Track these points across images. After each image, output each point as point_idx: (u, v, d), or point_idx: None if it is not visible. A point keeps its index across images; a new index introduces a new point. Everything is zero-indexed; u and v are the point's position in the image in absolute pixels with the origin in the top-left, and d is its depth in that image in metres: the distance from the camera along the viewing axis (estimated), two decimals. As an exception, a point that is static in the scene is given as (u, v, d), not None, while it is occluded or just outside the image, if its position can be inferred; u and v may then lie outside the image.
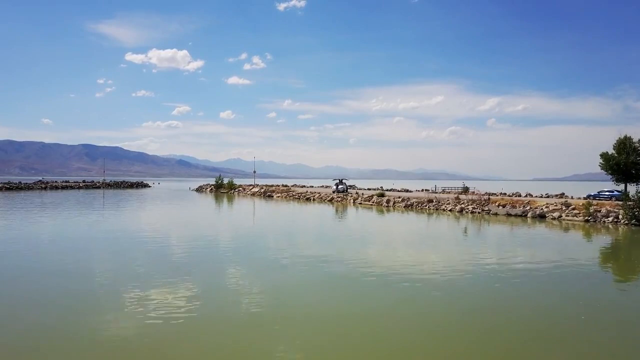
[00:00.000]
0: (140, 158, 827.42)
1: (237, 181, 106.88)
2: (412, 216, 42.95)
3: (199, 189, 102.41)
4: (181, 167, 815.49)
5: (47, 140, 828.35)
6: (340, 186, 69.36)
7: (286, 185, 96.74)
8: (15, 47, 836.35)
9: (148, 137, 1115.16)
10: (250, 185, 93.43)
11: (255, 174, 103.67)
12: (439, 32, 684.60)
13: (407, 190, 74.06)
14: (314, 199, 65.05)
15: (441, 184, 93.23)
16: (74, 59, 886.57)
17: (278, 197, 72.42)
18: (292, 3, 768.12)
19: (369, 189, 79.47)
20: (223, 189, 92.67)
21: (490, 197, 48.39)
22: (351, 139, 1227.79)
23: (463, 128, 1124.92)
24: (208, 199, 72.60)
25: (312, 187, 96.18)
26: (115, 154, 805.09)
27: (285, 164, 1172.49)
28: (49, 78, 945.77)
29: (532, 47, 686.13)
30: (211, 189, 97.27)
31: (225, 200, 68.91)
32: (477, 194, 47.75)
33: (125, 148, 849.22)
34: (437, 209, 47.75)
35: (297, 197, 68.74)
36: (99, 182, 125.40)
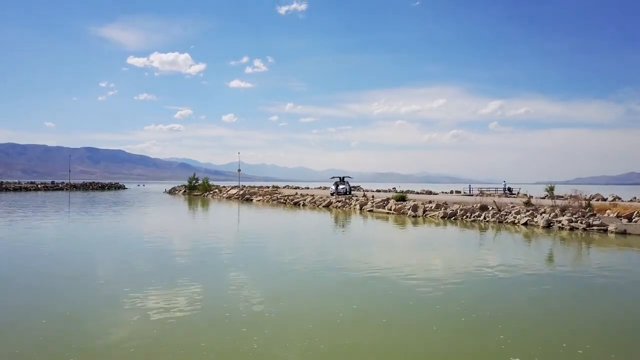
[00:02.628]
0: (143, 161, 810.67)
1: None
2: (462, 232, 23.75)
3: (172, 191, 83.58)
4: (184, 170, 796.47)
5: (50, 143, 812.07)
6: (341, 186, 50.11)
7: (277, 187, 77.70)
8: (18, 50, 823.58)
9: (150, 140, 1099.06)
10: (230, 186, 74.65)
11: (239, 172, 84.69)
12: (440, 35, 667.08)
13: (429, 192, 54.72)
14: (304, 204, 45.77)
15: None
16: (77, 63, 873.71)
17: (259, 201, 53.25)
18: (293, 6, 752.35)
19: (377, 191, 60.34)
20: (197, 190, 73.57)
21: (590, 202, 28.87)
22: (353, 142, 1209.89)
23: (465, 131, 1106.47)
24: (175, 202, 53.89)
25: (308, 188, 77.04)
26: (118, 157, 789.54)
27: (288, 167, 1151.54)
28: (51, 81, 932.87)
29: (534, 50, 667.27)
30: (184, 191, 78.30)
31: (192, 205, 50.03)
32: (575, 196, 28.16)
33: (127, 151, 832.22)
34: (500, 221, 28.43)
35: (282, 201, 49.45)
36: (62, 183, 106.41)
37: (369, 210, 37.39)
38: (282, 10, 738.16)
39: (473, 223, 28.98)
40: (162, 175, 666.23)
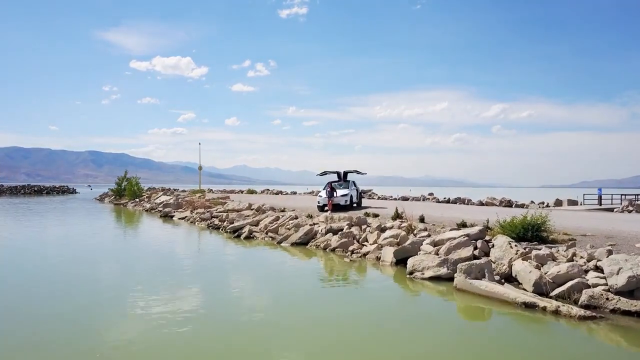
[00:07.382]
0: (146, 164, 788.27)
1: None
2: None
3: (102, 198, 57.47)
4: (187, 173, 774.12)
5: (54, 146, 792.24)
6: (341, 192, 23.42)
7: (251, 191, 51.47)
8: (22, 54, 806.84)
9: (154, 144, 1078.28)
10: (163, 190, 48.74)
11: (201, 170, 58.41)
12: (442, 38, 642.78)
13: (509, 204, 27.94)
14: (251, 235, 18.89)
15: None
16: (80, 67, 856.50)
17: (182, 219, 26.78)
18: (294, 10, 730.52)
19: (404, 199, 34.22)
20: (125, 197, 47.32)
21: None
22: (356, 145, 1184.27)
23: (468, 135, 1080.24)
24: (83, 216, 28.18)
25: (295, 193, 50.70)
26: (122, 161, 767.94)
27: (291, 170, 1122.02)
28: (55, 85, 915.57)
29: (537, 53, 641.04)
30: (114, 197, 52.07)
31: (89, 222, 24.25)
32: None
33: (131, 155, 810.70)
34: None
35: (217, 223, 22.61)
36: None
37: (427, 278, 10.75)
38: (283, 13, 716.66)
39: None
40: (165, 179, 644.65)
